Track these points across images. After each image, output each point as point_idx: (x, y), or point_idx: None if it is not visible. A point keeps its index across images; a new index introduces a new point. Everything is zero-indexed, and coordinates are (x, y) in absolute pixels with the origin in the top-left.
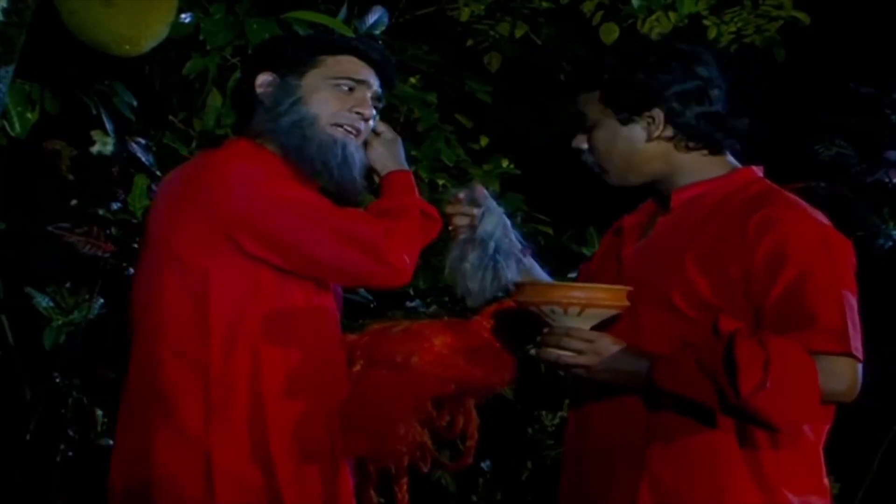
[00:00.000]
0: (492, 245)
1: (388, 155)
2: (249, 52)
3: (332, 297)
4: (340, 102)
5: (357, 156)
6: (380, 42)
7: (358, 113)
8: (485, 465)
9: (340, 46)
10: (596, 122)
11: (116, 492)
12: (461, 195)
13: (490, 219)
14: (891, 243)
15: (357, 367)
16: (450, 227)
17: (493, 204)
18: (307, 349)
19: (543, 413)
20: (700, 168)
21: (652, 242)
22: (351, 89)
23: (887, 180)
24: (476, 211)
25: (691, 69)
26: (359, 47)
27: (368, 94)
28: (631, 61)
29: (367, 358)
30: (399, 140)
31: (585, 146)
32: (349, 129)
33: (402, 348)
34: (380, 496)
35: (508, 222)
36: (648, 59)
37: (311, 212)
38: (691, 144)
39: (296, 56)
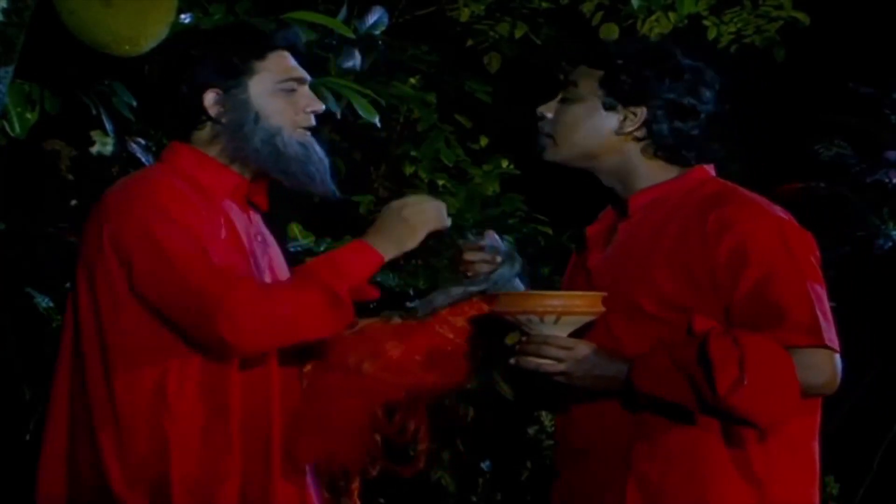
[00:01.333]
0: (499, 286)
1: (382, 225)
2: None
3: None
4: (293, 106)
5: (322, 154)
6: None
7: (311, 111)
8: (484, 465)
9: (266, 46)
10: (580, 98)
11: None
12: (483, 243)
13: (509, 266)
14: (890, 243)
15: (308, 368)
16: (469, 273)
17: (508, 249)
18: (214, 373)
19: (543, 413)
20: (656, 172)
21: (616, 250)
22: (293, 89)
23: (887, 180)
24: (498, 258)
25: (696, 87)
26: (281, 41)
27: (307, 87)
28: (645, 57)
29: (321, 359)
30: (406, 218)
31: (550, 115)
32: (306, 128)
33: (355, 352)
34: (379, 497)
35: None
36: (662, 61)
37: (175, 262)
38: (659, 153)
39: (231, 69)
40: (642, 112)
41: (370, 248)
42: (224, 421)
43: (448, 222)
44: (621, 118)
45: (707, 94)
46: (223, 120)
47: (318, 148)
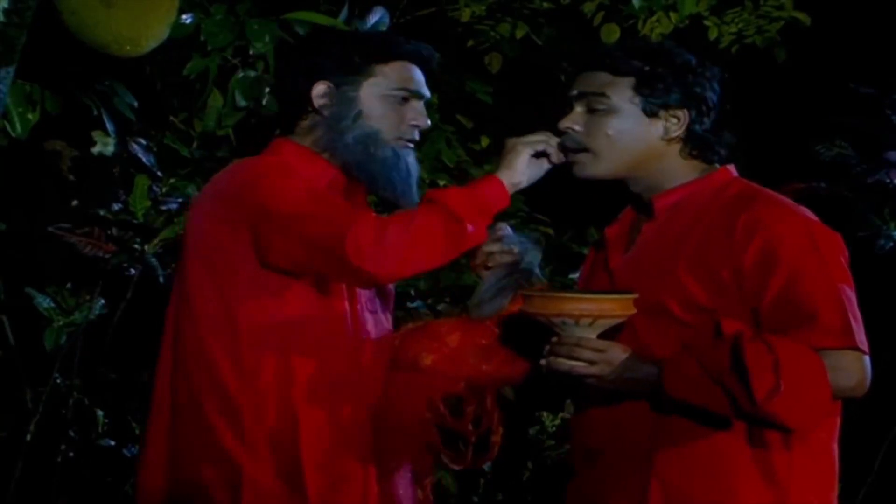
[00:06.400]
0: (534, 273)
1: (502, 160)
2: (251, 51)
3: (355, 301)
4: (399, 116)
5: (414, 167)
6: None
7: (416, 125)
8: (485, 465)
9: (392, 53)
10: (616, 108)
11: (148, 495)
12: (501, 234)
13: (535, 251)
14: (891, 244)
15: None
16: (490, 265)
17: (531, 235)
18: (334, 356)
19: (544, 414)
20: (683, 172)
21: (640, 251)
22: (405, 99)
23: (888, 181)
24: (515, 248)
25: (711, 82)
26: (410, 52)
27: (422, 103)
28: (669, 58)
29: (393, 358)
30: (523, 151)
31: (580, 128)
32: (408, 141)
33: (416, 347)
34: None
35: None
36: (689, 61)
37: (304, 204)
38: (694, 153)
39: (350, 66)
40: (685, 114)
41: (489, 175)
42: (351, 403)
43: (555, 156)
44: (665, 123)
45: (719, 88)
46: (325, 112)
47: (409, 160)
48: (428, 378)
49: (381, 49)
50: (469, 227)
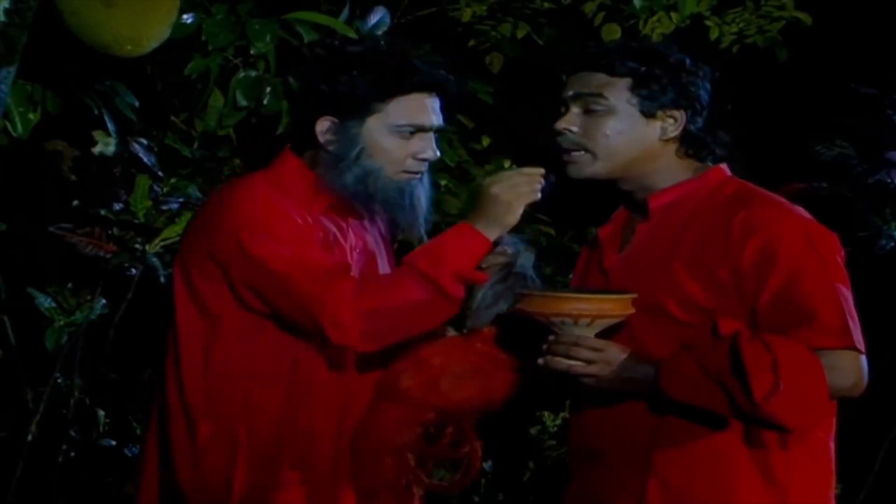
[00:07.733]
0: (528, 276)
1: (479, 207)
2: (252, 51)
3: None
4: (404, 150)
5: (423, 197)
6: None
7: (423, 159)
8: (486, 465)
9: (401, 88)
10: (614, 109)
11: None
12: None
13: (529, 253)
14: (892, 244)
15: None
16: (483, 265)
17: (524, 237)
18: (313, 370)
19: (545, 414)
20: (677, 172)
21: (635, 251)
22: (413, 133)
23: (889, 181)
24: (509, 250)
25: (705, 82)
26: (421, 84)
27: (431, 135)
28: (666, 59)
29: (380, 379)
30: (497, 195)
31: (576, 129)
32: (413, 173)
33: (398, 368)
34: None
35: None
36: (683, 61)
37: (274, 273)
38: (690, 152)
39: (355, 102)
40: (681, 115)
41: (473, 231)
42: (330, 424)
43: (539, 195)
44: (662, 124)
45: (709, 86)
46: (329, 148)
47: (417, 193)
48: (401, 405)
49: (389, 84)
50: (449, 295)
